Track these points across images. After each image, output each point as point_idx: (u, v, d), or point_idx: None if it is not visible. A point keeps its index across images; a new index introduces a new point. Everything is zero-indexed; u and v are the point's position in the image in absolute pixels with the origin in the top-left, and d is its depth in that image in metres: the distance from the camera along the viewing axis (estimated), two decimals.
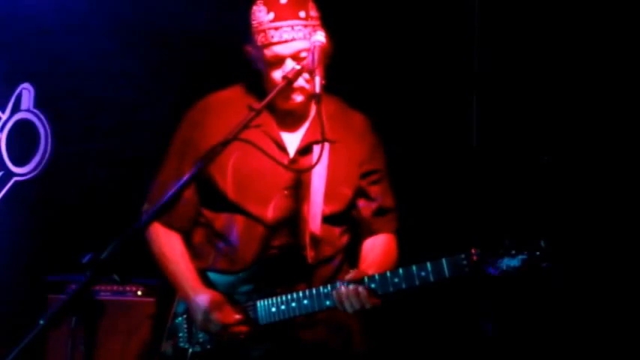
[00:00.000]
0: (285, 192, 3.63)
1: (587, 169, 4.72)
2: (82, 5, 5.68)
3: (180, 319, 3.71)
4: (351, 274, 3.46)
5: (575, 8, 4.71)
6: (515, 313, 4.83)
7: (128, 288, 4.98)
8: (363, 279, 3.41)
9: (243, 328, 3.56)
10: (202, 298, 3.57)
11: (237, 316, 3.56)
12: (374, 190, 3.76)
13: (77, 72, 5.72)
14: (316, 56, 3.41)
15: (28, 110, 5.94)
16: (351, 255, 3.80)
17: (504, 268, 3.28)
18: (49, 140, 5.87)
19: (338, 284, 3.43)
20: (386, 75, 5.02)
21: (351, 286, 3.39)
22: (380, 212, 3.77)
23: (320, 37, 3.47)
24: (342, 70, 3.67)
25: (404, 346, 4.98)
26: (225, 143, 3.19)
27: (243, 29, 3.63)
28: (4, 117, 5.98)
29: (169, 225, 3.72)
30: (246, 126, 3.25)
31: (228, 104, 3.71)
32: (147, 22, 5.57)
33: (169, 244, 3.72)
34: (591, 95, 4.72)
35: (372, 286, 3.40)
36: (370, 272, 3.45)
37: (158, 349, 3.74)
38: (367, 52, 5.01)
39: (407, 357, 5.00)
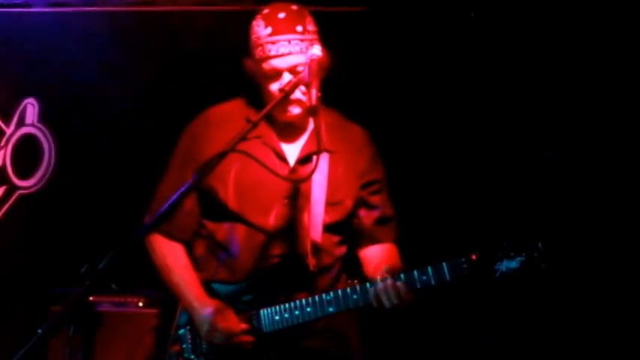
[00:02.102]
0: (286, 201, 3.63)
1: (584, 171, 4.72)
2: (86, 21, 5.68)
3: (183, 330, 3.69)
4: (385, 269, 3.41)
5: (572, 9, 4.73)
6: (513, 319, 4.81)
7: (130, 299, 4.96)
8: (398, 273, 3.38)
9: (247, 338, 3.55)
10: (206, 309, 3.57)
11: (242, 326, 3.55)
12: (375, 199, 3.76)
13: (81, 87, 5.71)
14: (312, 69, 3.42)
15: (32, 125, 5.92)
16: (349, 265, 3.80)
17: (504, 270, 3.28)
18: (53, 154, 5.86)
19: (378, 281, 3.38)
20: (383, 80, 5.06)
21: (389, 281, 3.36)
22: (381, 221, 3.77)
23: (316, 50, 3.47)
24: (341, 81, 3.70)
25: (401, 354, 4.95)
26: (222, 155, 3.22)
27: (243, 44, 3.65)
28: (9, 131, 5.96)
29: (171, 236, 3.72)
30: (243, 138, 3.29)
31: (228, 117, 3.72)
32: (149, 37, 5.59)
33: (172, 255, 3.72)
34: (588, 96, 4.76)
35: (355, 297, 3.42)
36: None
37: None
38: (366, 64, 5.04)
39: None
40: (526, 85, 4.86)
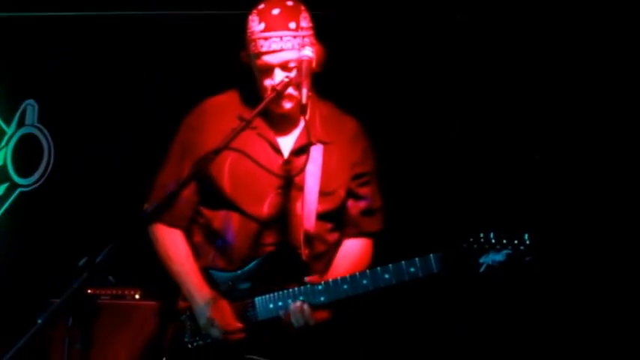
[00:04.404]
0: (280, 191, 3.59)
1: (571, 166, 4.68)
2: (83, 25, 5.62)
3: (184, 316, 3.64)
4: (310, 278, 3.49)
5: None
6: (496, 314, 4.75)
7: (127, 292, 4.89)
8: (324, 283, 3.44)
9: (241, 336, 3.52)
10: (204, 301, 3.54)
11: (238, 325, 3.52)
12: (363, 190, 3.71)
13: (78, 89, 5.67)
14: (303, 70, 3.41)
15: (32, 125, 5.89)
16: None
17: (490, 262, 3.24)
18: (52, 153, 5.83)
19: (290, 304, 3.45)
20: (377, 80, 5.00)
21: (297, 304, 3.42)
22: (368, 212, 3.73)
23: (307, 51, 3.45)
24: (335, 76, 3.68)
25: (391, 339, 4.90)
26: (217, 152, 3.26)
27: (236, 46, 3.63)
28: (10, 131, 5.92)
29: (171, 223, 3.68)
30: (236, 135, 3.31)
31: (224, 108, 3.69)
32: (145, 40, 5.53)
33: (173, 245, 3.68)
34: (572, 93, 4.71)
35: (345, 287, 3.40)
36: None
37: (163, 345, 3.69)
38: (360, 59, 4.99)
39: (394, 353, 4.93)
40: (512, 81, 4.82)
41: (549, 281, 4.54)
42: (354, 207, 3.70)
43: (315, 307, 3.44)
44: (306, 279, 3.47)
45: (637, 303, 4.58)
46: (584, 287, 4.63)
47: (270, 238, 3.57)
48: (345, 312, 3.61)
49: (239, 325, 3.51)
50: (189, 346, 3.59)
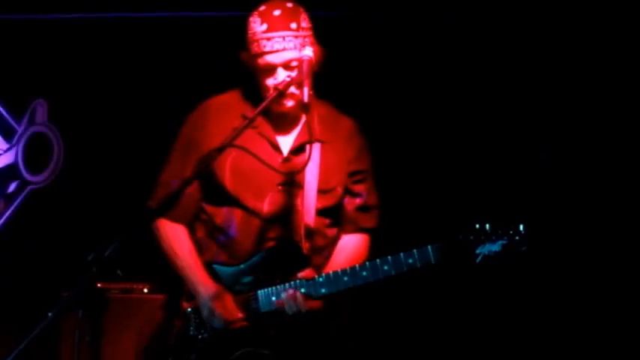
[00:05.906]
0: (280, 188, 3.62)
1: (565, 158, 4.70)
2: (90, 27, 5.68)
3: (189, 309, 3.66)
4: (303, 273, 3.51)
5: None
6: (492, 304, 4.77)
7: (135, 286, 4.93)
8: (313, 279, 3.47)
9: (242, 324, 3.54)
10: (207, 294, 3.56)
11: (239, 315, 3.54)
12: (358, 188, 3.74)
13: (87, 87, 5.71)
14: (304, 69, 3.42)
15: (42, 124, 5.93)
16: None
17: (486, 253, 3.25)
18: (62, 151, 5.87)
19: (283, 291, 3.47)
20: (374, 76, 5.05)
21: (290, 292, 3.44)
22: (363, 209, 3.75)
23: (308, 51, 3.47)
24: (336, 78, 3.72)
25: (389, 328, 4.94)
26: (220, 149, 3.28)
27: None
28: (20, 130, 5.97)
29: (174, 219, 3.70)
30: (239, 133, 3.33)
31: (226, 108, 3.71)
32: (150, 41, 5.58)
33: (177, 240, 3.70)
34: (566, 85, 4.75)
35: (345, 279, 3.41)
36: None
37: (169, 337, 3.70)
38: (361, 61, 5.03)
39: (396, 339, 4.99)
40: (507, 78, 4.84)
41: (544, 271, 4.55)
42: (350, 203, 3.73)
43: (311, 296, 3.46)
44: (299, 275, 3.50)
45: (632, 293, 4.61)
46: (579, 276, 4.65)
47: (271, 233, 3.59)
48: (339, 305, 3.64)
49: (240, 314, 3.53)
50: (195, 338, 3.60)
